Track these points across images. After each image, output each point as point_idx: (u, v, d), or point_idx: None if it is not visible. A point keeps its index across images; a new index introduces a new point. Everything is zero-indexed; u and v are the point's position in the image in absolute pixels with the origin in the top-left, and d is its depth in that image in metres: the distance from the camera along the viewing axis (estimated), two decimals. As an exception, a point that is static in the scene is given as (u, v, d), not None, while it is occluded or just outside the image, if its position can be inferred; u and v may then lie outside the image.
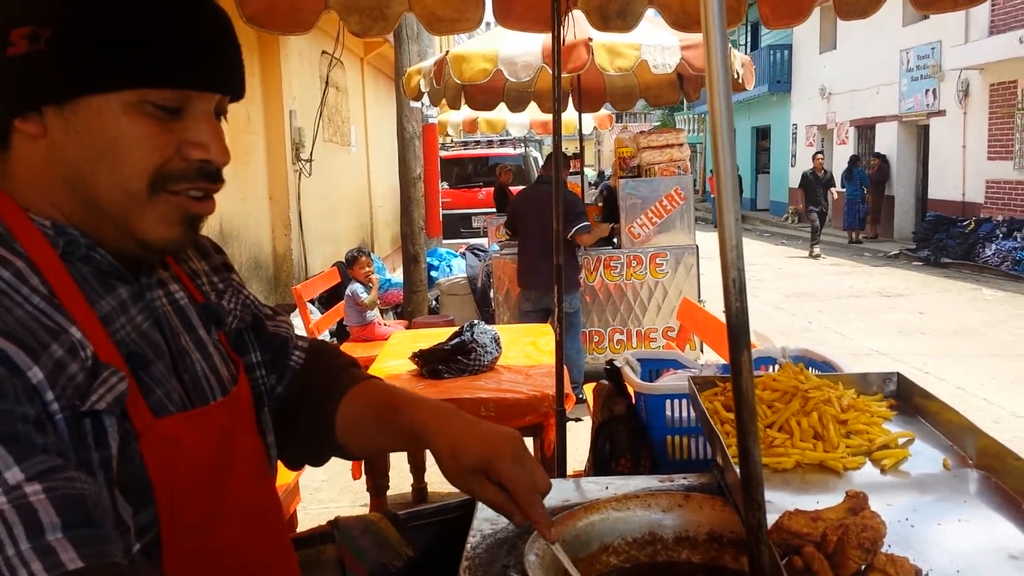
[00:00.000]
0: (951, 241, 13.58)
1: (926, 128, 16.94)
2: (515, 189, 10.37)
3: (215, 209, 1.02)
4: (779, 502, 1.37)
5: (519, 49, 4.87)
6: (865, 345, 7.77)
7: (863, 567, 1.05)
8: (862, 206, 17.18)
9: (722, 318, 3.51)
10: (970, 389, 6.19)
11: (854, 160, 17.62)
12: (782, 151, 24.41)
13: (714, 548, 1.45)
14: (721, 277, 0.93)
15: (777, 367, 2.25)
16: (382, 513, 1.56)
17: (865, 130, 19.49)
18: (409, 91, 6.12)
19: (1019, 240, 12.34)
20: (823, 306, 10.26)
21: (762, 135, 26.89)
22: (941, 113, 16.02)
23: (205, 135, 0.96)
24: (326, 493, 4.41)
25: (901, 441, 1.57)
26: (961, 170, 15.35)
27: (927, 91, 16.37)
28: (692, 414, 2.06)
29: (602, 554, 1.43)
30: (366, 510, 3.91)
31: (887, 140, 18.19)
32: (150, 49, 0.90)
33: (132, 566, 0.79)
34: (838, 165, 18.63)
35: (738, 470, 1.45)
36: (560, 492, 1.60)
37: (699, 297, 6.36)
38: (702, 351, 6.10)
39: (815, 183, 15.74)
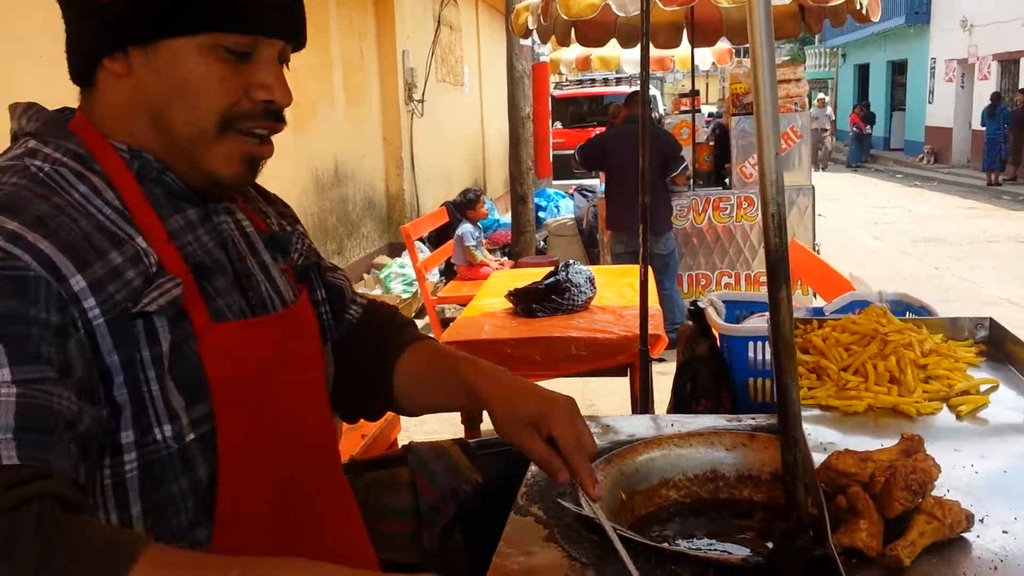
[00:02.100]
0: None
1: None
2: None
3: (273, 152, 1.10)
4: (846, 445, 1.36)
5: (627, -19, 4.75)
6: (995, 293, 7.34)
7: (910, 509, 1.04)
8: (1004, 146, 16.05)
9: (834, 264, 3.39)
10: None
11: (996, 97, 16.42)
12: (919, 87, 22.95)
13: (776, 488, 1.44)
14: (760, 212, 0.91)
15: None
16: (454, 441, 1.62)
17: (1009, 65, 18.07)
18: (517, 28, 6.08)
19: None
20: (953, 251, 9.71)
21: (898, 70, 25.33)
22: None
23: (271, 78, 1.04)
24: (430, 424, 4.57)
25: (983, 388, 1.52)
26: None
27: (1084, 19, 15.00)
28: (776, 356, 2.03)
29: (662, 488, 1.45)
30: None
31: (1035, 74, 16.85)
32: None
33: (70, 484, 0.84)
34: (979, 102, 17.40)
35: (815, 412, 1.44)
36: (626, 428, 1.62)
37: (813, 241, 6.15)
38: (815, 297, 5.92)
39: None
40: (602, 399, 4.70)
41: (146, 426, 0.95)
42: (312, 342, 1.20)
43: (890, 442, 1.40)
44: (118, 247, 0.95)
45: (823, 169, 19.66)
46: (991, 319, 1.74)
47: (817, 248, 6.12)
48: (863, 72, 27.83)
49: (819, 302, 5.31)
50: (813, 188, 6.11)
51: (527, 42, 7.41)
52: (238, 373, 1.03)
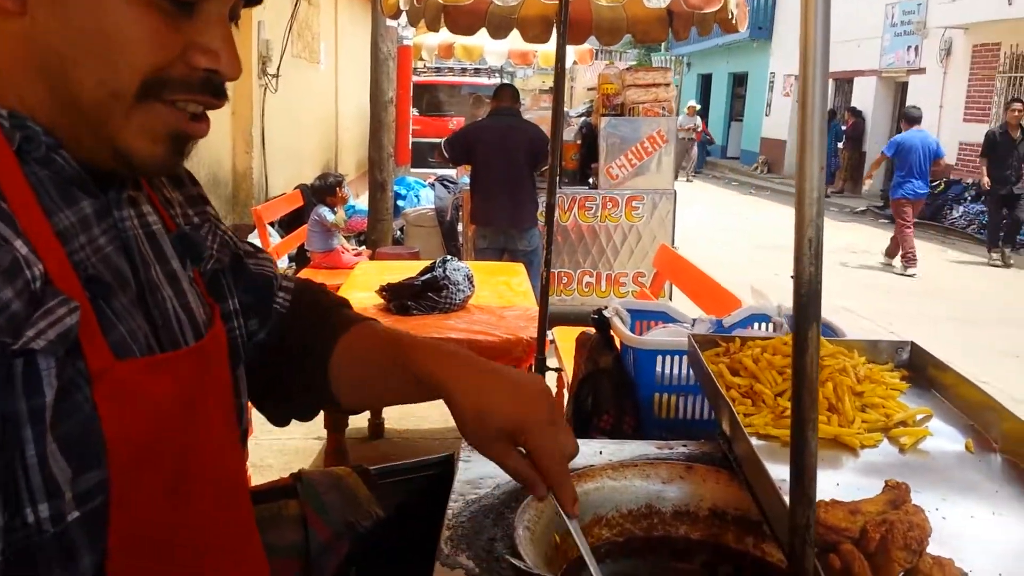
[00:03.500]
0: (920, 202, 13.62)
1: (904, 85, 16.87)
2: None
3: (208, 132, 0.85)
4: (787, 477, 1.26)
5: (507, -31, 4.60)
6: (835, 303, 7.75)
7: (907, 569, 0.93)
8: (834, 160, 17.16)
9: (703, 267, 3.36)
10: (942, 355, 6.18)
11: (830, 114, 17.50)
12: (758, 100, 24.20)
13: (716, 525, 1.33)
14: (794, 236, 0.77)
15: (771, 326, 2.14)
16: (352, 468, 1.42)
17: (843, 83, 19.35)
18: (387, 8, 5.79)
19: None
20: (790, 258, 10.21)
21: (739, 82, 26.62)
22: (921, 71, 15.94)
23: (217, 41, 0.81)
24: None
25: (919, 417, 1.46)
26: (936, 130, 15.30)
27: (909, 47, 16.24)
28: (682, 371, 1.93)
29: (594, 526, 1.30)
30: (321, 444, 3.78)
31: (864, 95, 18.09)
32: None
33: None
34: (812, 118, 18.47)
35: (753, 442, 1.34)
36: (548, 454, 1.46)
37: (672, 244, 6.24)
38: (671, 299, 6.01)
39: (1008, 146, 9.95)
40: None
41: (15, 507, 0.69)
42: (224, 375, 0.96)
43: (831, 475, 1.31)
44: None
45: (689, 180, 19.62)
46: (912, 343, 1.70)
47: (676, 250, 6.23)
48: (706, 82, 29.08)
49: (678, 303, 5.37)
50: (675, 192, 6.20)
51: (394, 23, 7.13)
52: (144, 432, 0.78)
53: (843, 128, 17.34)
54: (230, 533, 0.95)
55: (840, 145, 17.17)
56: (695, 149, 20.96)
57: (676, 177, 20.10)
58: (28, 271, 0.69)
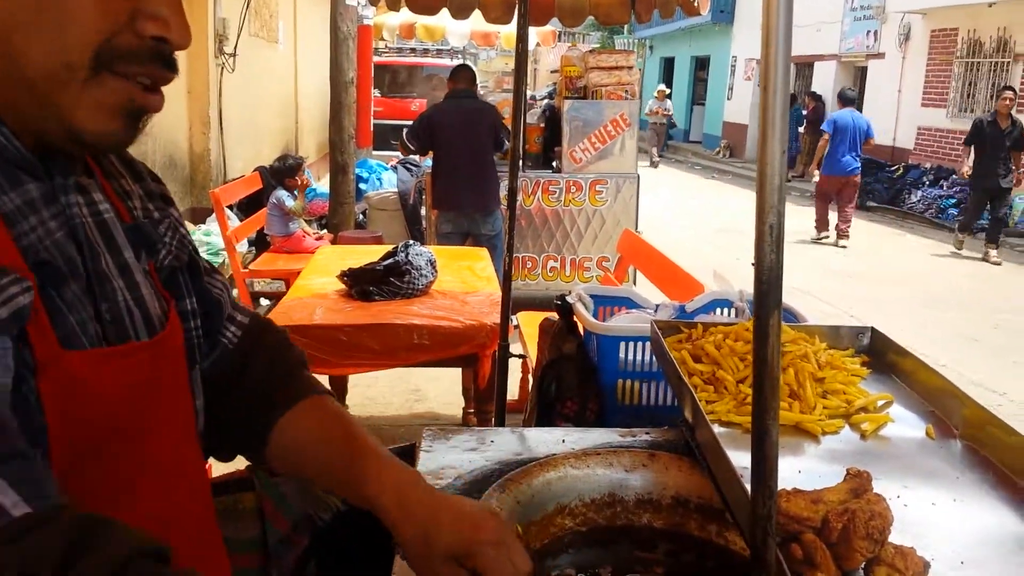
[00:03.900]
0: (879, 185, 13.78)
1: (864, 70, 17.03)
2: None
3: (163, 106, 0.82)
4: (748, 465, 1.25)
5: (470, -51, 4.52)
6: (795, 286, 7.83)
7: (870, 559, 0.93)
8: (795, 144, 17.30)
9: (666, 252, 3.35)
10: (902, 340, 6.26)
11: (791, 98, 17.62)
12: (720, 84, 24.30)
13: (678, 513, 1.33)
14: (755, 222, 0.75)
15: (733, 312, 2.14)
16: (310, 459, 1.39)
17: (803, 68, 19.50)
18: (346, -13, 5.71)
19: (945, 188, 12.58)
20: (750, 241, 10.30)
21: (701, 65, 26.70)
22: (880, 56, 16.09)
23: (164, 7, 0.78)
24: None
25: (879, 404, 1.46)
26: (894, 115, 15.51)
27: (868, 32, 16.39)
28: (645, 358, 1.93)
29: (557, 516, 1.29)
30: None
31: (824, 80, 18.24)
32: None
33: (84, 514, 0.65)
34: (773, 102, 18.61)
35: (715, 429, 1.33)
36: (510, 443, 1.44)
37: (636, 228, 6.25)
38: (635, 283, 6.02)
39: (996, 136, 9.51)
40: (429, 384, 4.52)
41: None
42: (180, 373, 0.93)
43: (792, 462, 1.31)
44: None
45: (654, 164, 19.49)
46: (873, 328, 1.71)
47: (639, 235, 6.23)
48: (668, 65, 29.12)
49: (642, 288, 5.39)
50: (638, 177, 6.20)
51: (353, 3, 7.02)
52: (87, 425, 0.75)
53: (804, 112, 17.47)
54: (187, 528, 0.92)
55: (801, 130, 17.29)
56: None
57: (653, 161, 19.73)
58: None
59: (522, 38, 2.09)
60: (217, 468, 1.30)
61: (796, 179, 17.72)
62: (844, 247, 10.20)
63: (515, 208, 2.14)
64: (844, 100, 10.74)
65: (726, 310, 2.14)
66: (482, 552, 0.87)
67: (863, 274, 8.66)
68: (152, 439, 0.84)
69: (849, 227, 10.36)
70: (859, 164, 10.43)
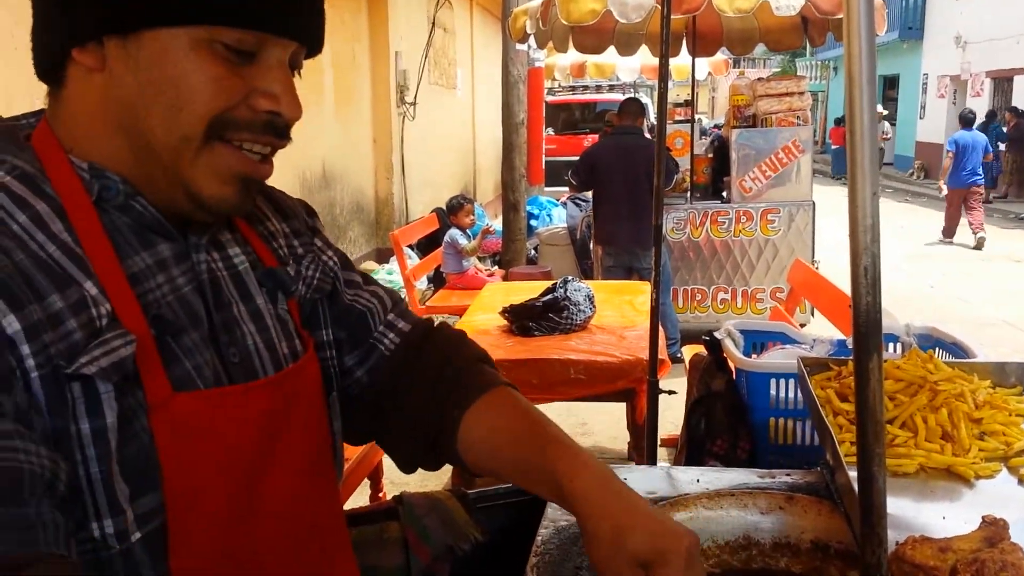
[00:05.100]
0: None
1: (1072, 81, 15.61)
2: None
3: (272, 173, 0.91)
4: (897, 512, 1.19)
5: (630, -12, 4.60)
6: (990, 313, 7.24)
7: (1002, 616, 0.87)
8: (995, 163, 16.02)
9: (838, 283, 3.21)
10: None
11: (991, 115, 16.39)
12: (910, 102, 22.96)
13: (818, 558, 1.28)
14: (850, 265, 0.74)
15: (899, 346, 2.03)
16: (451, 491, 1.45)
17: (1002, 82, 18.08)
18: (515, 33, 5.92)
19: None
20: (946, 268, 9.63)
21: (890, 84, 25.35)
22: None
23: (277, 85, 0.86)
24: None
25: (1046, 448, 1.35)
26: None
27: (1078, 40, 15.01)
28: (798, 395, 1.87)
29: (688, 557, 1.29)
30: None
31: (1027, 94, 16.86)
32: None
33: (60, 558, 0.69)
34: (972, 119, 17.44)
35: (852, 475, 1.28)
36: (643, 480, 1.45)
37: (812, 258, 6.01)
38: (812, 315, 5.78)
39: None
40: (595, 417, 4.54)
41: (80, 518, 0.76)
42: (314, 405, 1.00)
43: (938, 508, 1.24)
44: (60, 290, 0.76)
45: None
46: (1046, 365, 1.58)
47: (816, 264, 5.99)
48: (854, 86, 27.84)
49: (819, 321, 5.16)
50: (813, 204, 5.98)
51: (523, 47, 7.25)
52: (203, 461, 0.83)
53: (1004, 130, 16.17)
54: (309, 561, 0.98)
55: (1003, 147, 16.00)
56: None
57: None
58: (94, 308, 0.78)
59: (663, 74, 2.10)
60: (360, 499, 1.39)
61: (999, 200, 16.38)
62: (982, 239, 11.14)
63: (660, 245, 2.14)
64: (964, 122, 12.13)
65: (891, 345, 2.04)
66: (674, 564, 0.82)
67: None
68: (274, 469, 0.91)
69: (981, 223, 11.35)
70: (981, 175, 11.73)
